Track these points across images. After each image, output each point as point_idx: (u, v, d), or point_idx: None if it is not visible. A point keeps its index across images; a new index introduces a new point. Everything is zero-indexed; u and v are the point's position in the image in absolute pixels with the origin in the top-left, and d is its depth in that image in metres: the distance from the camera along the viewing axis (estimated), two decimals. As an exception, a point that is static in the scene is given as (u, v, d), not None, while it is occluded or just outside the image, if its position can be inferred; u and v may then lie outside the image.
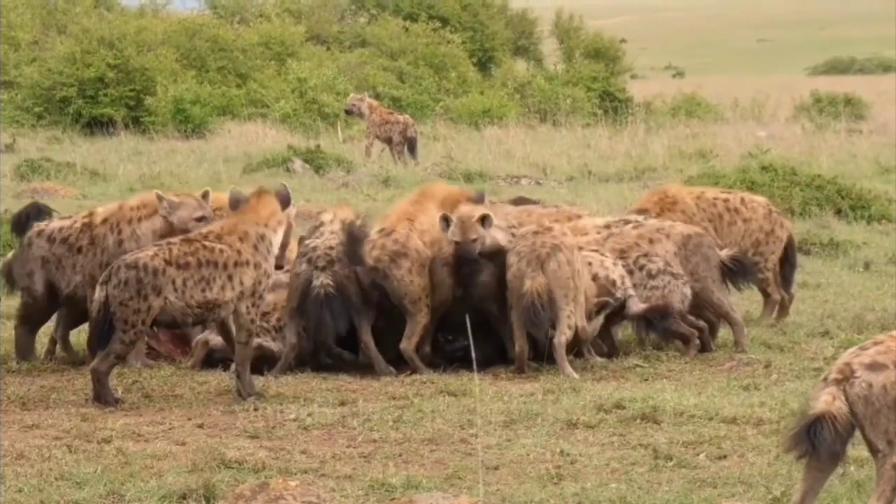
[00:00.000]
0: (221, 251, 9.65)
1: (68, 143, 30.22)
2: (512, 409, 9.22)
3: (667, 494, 7.28)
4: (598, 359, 10.81)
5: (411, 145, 26.77)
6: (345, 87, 34.86)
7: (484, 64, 44.73)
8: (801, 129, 31.43)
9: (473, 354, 9.36)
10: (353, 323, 10.64)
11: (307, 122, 32.48)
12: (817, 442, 6.11)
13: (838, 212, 18.60)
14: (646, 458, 8.08)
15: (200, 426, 8.99)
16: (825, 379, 6.27)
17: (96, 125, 33.72)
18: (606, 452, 8.25)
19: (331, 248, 10.63)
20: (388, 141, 26.98)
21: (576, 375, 10.26)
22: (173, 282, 9.53)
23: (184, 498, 7.21)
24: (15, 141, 28.82)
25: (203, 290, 9.57)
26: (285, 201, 9.98)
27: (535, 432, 8.69)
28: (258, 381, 10.16)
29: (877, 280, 14.56)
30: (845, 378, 6.16)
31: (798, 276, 14.53)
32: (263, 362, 10.57)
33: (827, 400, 6.14)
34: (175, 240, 9.82)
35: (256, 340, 10.33)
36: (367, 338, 10.65)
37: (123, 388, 9.98)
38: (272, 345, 10.71)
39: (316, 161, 24.69)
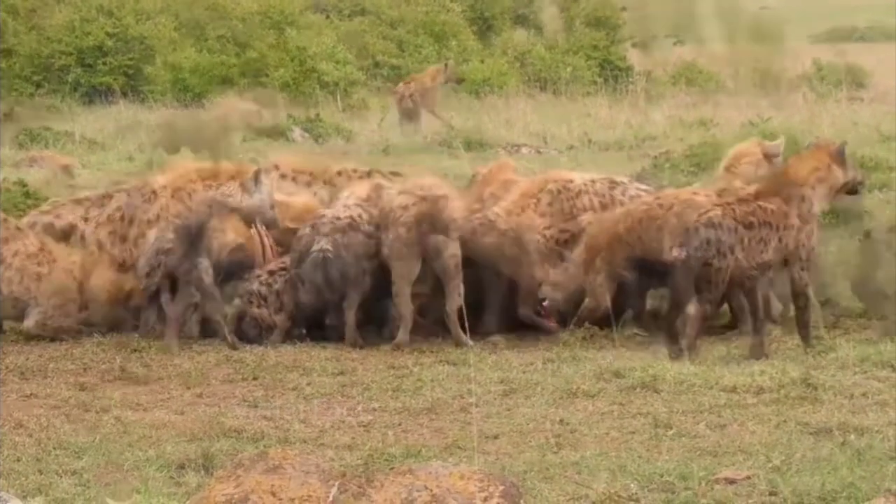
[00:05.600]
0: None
1: (67, 111, 30.11)
2: (511, 378, 9.20)
3: (666, 463, 7.26)
4: None
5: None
6: (344, 55, 34.72)
7: (484, 32, 44.50)
8: (802, 98, 31.30)
9: (467, 323, 9.35)
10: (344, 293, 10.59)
11: (306, 91, 32.36)
12: None
13: (839, 180, 18.51)
14: (645, 427, 8.06)
15: (199, 396, 8.97)
16: None
17: (95, 94, 33.58)
18: (606, 421, 8.23)
19: (338, 217, 10.60)
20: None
21: (470, 343, 10.20)
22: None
23: (182, 467, 7.19)
24: (13, 110, 28.72)
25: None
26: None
27: (534, 401, 8.67)
28: (257, 351, 10.16)
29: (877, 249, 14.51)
30: None
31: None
32: (250, 327, 10.58)
33: None
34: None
35: (237, 302, 10.46)
36: (350, 311, 10.52)
37: (122, 357, 9.97)
38: (255, 311, 10.65)
39: (315, 130, 24.64)
